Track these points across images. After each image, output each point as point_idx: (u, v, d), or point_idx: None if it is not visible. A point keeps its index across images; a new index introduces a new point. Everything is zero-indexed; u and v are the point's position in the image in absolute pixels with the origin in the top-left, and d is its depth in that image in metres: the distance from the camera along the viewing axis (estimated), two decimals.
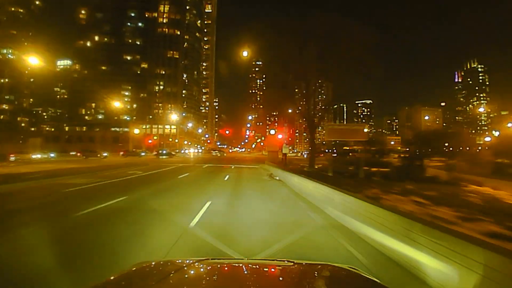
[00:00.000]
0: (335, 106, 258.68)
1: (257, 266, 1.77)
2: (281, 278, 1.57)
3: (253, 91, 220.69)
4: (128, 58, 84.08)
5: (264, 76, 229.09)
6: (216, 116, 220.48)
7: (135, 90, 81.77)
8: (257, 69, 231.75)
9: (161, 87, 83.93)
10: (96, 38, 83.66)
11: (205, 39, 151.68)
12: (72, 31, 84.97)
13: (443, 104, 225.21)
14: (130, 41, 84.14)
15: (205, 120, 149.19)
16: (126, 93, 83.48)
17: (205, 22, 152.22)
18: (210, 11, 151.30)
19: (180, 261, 1.80)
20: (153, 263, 1.68)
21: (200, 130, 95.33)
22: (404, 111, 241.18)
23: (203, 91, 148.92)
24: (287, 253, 4.25)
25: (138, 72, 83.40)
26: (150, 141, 65.00)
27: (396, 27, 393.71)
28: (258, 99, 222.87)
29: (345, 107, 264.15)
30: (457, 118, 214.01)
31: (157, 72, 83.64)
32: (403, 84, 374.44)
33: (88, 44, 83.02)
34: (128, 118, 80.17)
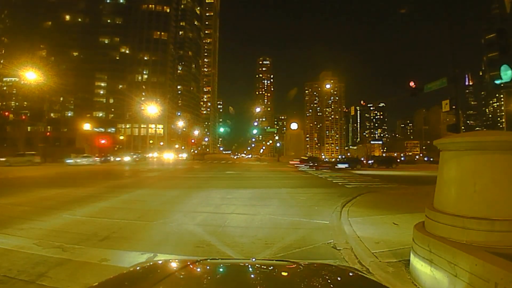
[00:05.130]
0: (346, 110, 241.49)
1: (257, 267, 1.74)
2: (281, 278, 1.54)
3: (260, 92, 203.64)
4: (106, 41, 67.49)
5: (272, 76, 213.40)
6: (220, 120, 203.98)
7: (112, 81, 64.62)
8: (264, 68, 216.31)
9: (145, 76, 66.67)
10: (67, 17, 67.43)
11: (207, 32, 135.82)
12: (39, 10, 68.85)
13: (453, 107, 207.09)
14: (108, 20, 67.65)
15: (206, 123, 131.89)
16: (102, 84, 66.62)
17: (207, 14, 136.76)
18: (212, 1, 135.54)
19: (180, 261, 1.77)
20: (153, 263, 1.70)
21: (196, 132, 77.62)
22: (421, 114, 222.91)
23: (204, 90, 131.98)
24: None
25: (117, 58, 66.55)
26: (103, 141, 47.10)
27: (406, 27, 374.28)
28: (266, 101, 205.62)
29: (358, 110, 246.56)
30: (468, 122, 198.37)
31: (140, 57, 66.63)
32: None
33: (57, 25, 66.68)
34: (70, 114, 62.29)
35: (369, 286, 1.44)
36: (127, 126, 63.99)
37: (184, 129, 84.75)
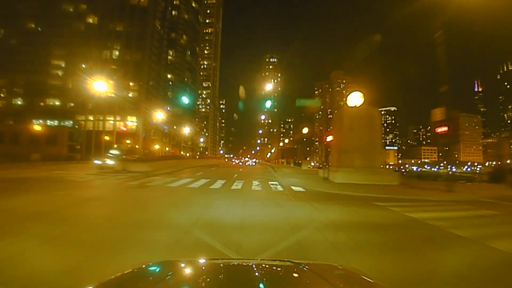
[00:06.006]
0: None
1: (258, 266, 1.74)
2: (281, 278, 1.56)
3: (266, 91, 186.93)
4: (70, 9, 51.88)
5: (279, 74, 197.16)
6: (223, 121, 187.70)
7: (73, 58, 48.58)
8: (271, 67, 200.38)
9: (116, 53, 50.52)
10: None
11: (208, 21, 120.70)
12: None
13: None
14: None
15: (205, 122, 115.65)
16: (60, 64, 50.84)
17: (208, 1, 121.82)
18: None
19: (179, 261, 1.77)
20: (153, 263, 1.69)
21: (187, 130, 61.31)
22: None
23: (204, 85, 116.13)
24: None
25: (82, 29, 50.78)
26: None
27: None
28: (272, 101, 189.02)
29: None
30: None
31: (111, 28, 50.66)
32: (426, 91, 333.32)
33: None
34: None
35: (369, 286, 1.44)
36: (90, 118, 47.75)
37: (175, 127, 68.60)
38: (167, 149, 60.63)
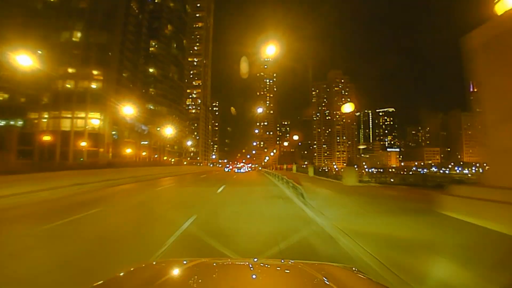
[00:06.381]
0: (358, 113, 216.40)
1: (259, 266, 1.73)
2: (282, 278, 1.53)
3: (262, 92, 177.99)
4: None
5: (274, 74, 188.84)
6: (217, 124, 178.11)
7: (26, 43, 38.79)
8: (266, 66, 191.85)
9: (79, 34, 40.82)
10: None
11: (197, 15, 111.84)
12: None
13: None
14: None
15: (196, 124, 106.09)
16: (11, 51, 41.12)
17: None
18: None
19: (178, 261, 1.75)
20: (151, 263, 1.66)
21: (169, 131, 51.76)
22: (438, 119, 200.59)
23: (194, 84, 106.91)
24: None
25: (38, 8, 41.20)
26: None
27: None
28: (268, 103, 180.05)
29: (370, 114, 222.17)
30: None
31: (73, 5, 41.12)
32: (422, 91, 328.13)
33: None
34: None
35: (369, 286, 1.43)
36: (45, 117, 37.97)
37: (158, 129, 59.17)
38: (144, 153, 50.97)
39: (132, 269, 1.47)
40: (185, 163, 73.31)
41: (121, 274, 1.38)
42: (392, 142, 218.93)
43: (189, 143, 63.53)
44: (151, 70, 66.75)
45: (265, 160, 74.47)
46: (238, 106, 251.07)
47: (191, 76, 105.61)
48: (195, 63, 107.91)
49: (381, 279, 2.82)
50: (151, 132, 54.87)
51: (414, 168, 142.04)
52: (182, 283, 1.29)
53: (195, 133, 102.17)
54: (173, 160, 64.55)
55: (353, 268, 1.71)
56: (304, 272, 1.52)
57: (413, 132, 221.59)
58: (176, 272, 1.44)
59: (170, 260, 1.84)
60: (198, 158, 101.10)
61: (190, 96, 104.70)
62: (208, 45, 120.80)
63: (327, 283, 1.29)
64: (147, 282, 1.26)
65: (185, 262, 1.61)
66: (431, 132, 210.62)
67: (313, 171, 22.81)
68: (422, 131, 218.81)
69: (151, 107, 65.35)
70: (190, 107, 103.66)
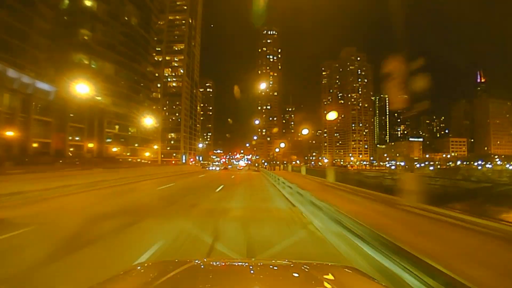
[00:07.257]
0: (373, 97, 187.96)
1: (257, 266, 1.73)
2: (281, 278, 1.53)
3: (264, 70, 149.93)
4: None
5: (279, 50, 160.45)
6: (210, 108, 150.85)
7: None
8: (269, 40, 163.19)
9: None
10: None
11: None
12: None
13: None
14: None
15: (177, 102, 79.05)
16: None
17: None
18: None
19: (178, 261, 1.74)
20: (153, 263, 1.68)
21: (149, 122, 26.51)
22: (460, 105, 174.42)
23: (175, 48, 79.39)
24: None
25: None
26: None
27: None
28: (271, 83, 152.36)
29: (387, 99, 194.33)
30: None
31: None
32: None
33: None
34: None
35: (370, 286, 1.43)
36: None
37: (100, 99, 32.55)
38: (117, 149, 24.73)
39: (132, 269, 1.45)
40: (146, 161, 47.40)
41: (118, 275, 1.36)
42: (405, 132, 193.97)
43: (149, 121, 37.47)
44: (87, 1, 39.76)
45: (275, 151, 47.92)
46: (240, 86, 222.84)
47: (174, 38, 77.82)
48: (176, 22, 79.94)
49: None
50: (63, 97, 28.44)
51: (449, 163, 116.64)
52: (180, 284, 1.28)
53: (177, 114, 75.51)
54: (123, 151, 38.65)
55: (353, 268, 1.68)
56: (304, 271, 1.48)
57: (427, 121, 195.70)
58: (174, 272, 1.37)
59: (169, 260, 1.84)
60: (180, 150, 75.10)
61: (171, 65, 77.44)
62: (197, 2, 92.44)
63: (327, 283, 1.27)
64: (144, 282, 1.24)
65: (181, 264, 1.53)
66: (453, 120, 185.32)
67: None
68: (436, 120, 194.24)
69: (85, 61, 38.67)
70: (169, 80, 76.60)
